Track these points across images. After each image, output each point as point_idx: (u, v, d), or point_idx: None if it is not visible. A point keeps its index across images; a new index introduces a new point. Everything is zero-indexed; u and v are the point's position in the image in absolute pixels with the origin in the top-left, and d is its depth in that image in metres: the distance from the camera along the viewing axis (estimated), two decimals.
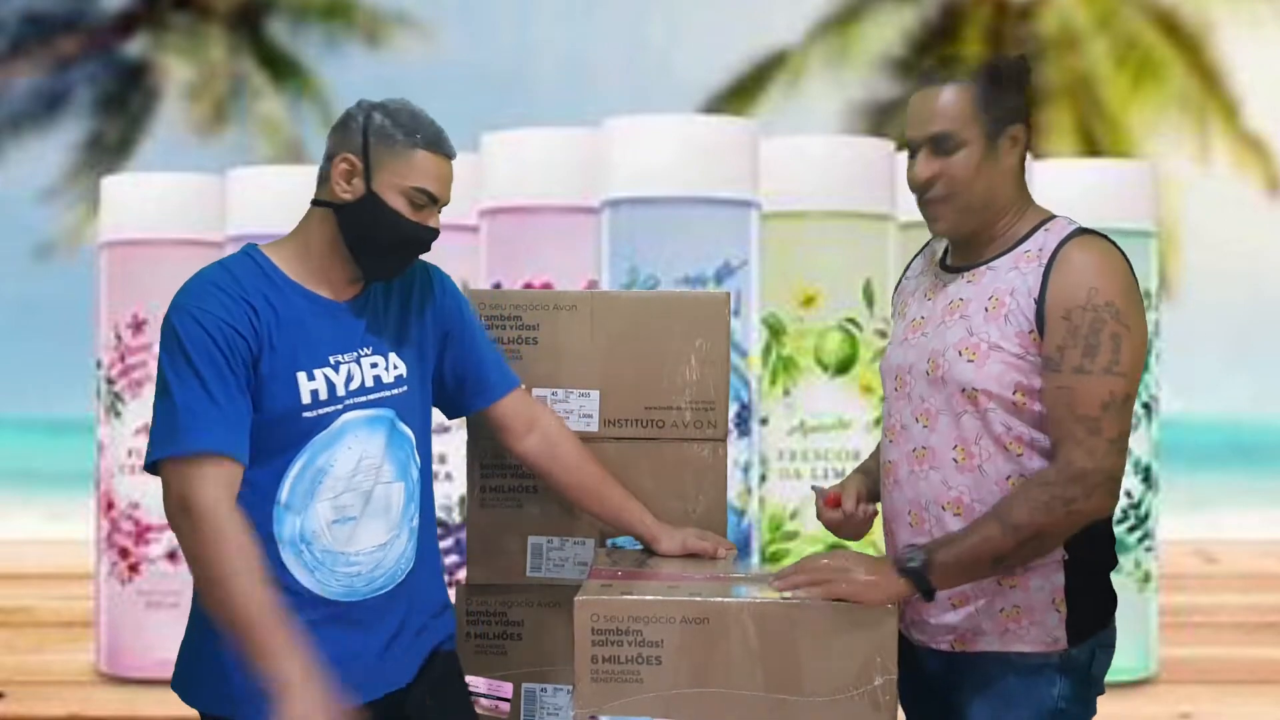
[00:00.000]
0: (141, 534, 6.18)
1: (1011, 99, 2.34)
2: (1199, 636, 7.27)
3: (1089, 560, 2.34)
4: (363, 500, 2.36)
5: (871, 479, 2.58)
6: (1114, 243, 2.34)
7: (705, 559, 2.57)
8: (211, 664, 2.31)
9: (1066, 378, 2.24)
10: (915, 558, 2.24)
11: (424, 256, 2.48)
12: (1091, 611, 2.35)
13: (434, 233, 2.37)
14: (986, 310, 2.31)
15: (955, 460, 2.33)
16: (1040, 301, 2.27)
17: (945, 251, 2.51)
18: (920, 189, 2.37)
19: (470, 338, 2.56)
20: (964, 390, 2.30)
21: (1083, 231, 2.33)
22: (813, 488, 2.63)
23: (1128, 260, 2.32)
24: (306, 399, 2.30)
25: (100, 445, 6.35)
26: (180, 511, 2.21)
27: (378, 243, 2.35)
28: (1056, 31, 18.67)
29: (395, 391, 2.41)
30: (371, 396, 2.37)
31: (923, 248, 2.61)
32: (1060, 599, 2.32)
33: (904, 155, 2.44)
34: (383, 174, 2.32)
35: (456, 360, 2.54)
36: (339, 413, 2.34)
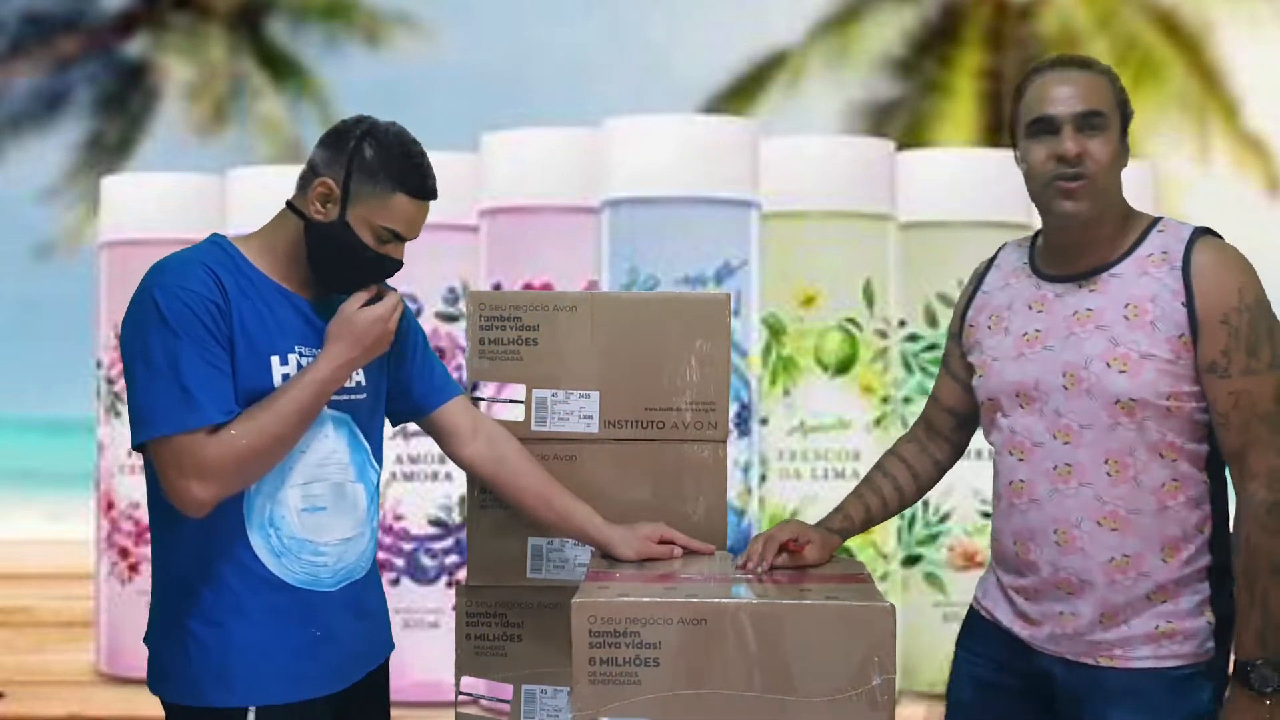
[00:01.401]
0: (141, 534, 6.17)
1: (1128, 104, 2.40)
2: None
3: (1226, 564, 2.35)
4: (333, 492, 2.39)
5: (868, 509, 2.61)
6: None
7: (702, 558, 2.56)
8: (180, 655, 2.34)
9: (1239, 381, 2.26)
10: (1263, 674, 2.25)
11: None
12: (1230, 616, 2.34)
13: (397, 264, 2.41)
14: (1127, 319, 2.31)
15: (1109, 474, 2.32)
16: (1189, 305, 2.27)
17: (1031, 260, 2.48)
18: (1071, 163, 2.33)
19: (415, 344, 2.59)
20: (1118, 401, 2.29)
21: (1204, 231, 2.35)
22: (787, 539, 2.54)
23: None
24: (278, 381, 2.32)
25: (100, 445, 6.35)
26: (219, 475, 2.24)
27: (339, 266, 2.39)
28: (1056, 31, 18.67)
29: (355, 397, 2.44)
30: (335, 398, 2.39)
31: (991, 260, 2.58)
32: (1208, 608, 2.33)
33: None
34: (358, 208, 2.35)
35: (404, 366, 2.56)
36: None
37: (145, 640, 2.44)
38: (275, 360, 2.33)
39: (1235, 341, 2.26)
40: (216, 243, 2.40)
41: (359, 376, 2.45)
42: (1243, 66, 18.21)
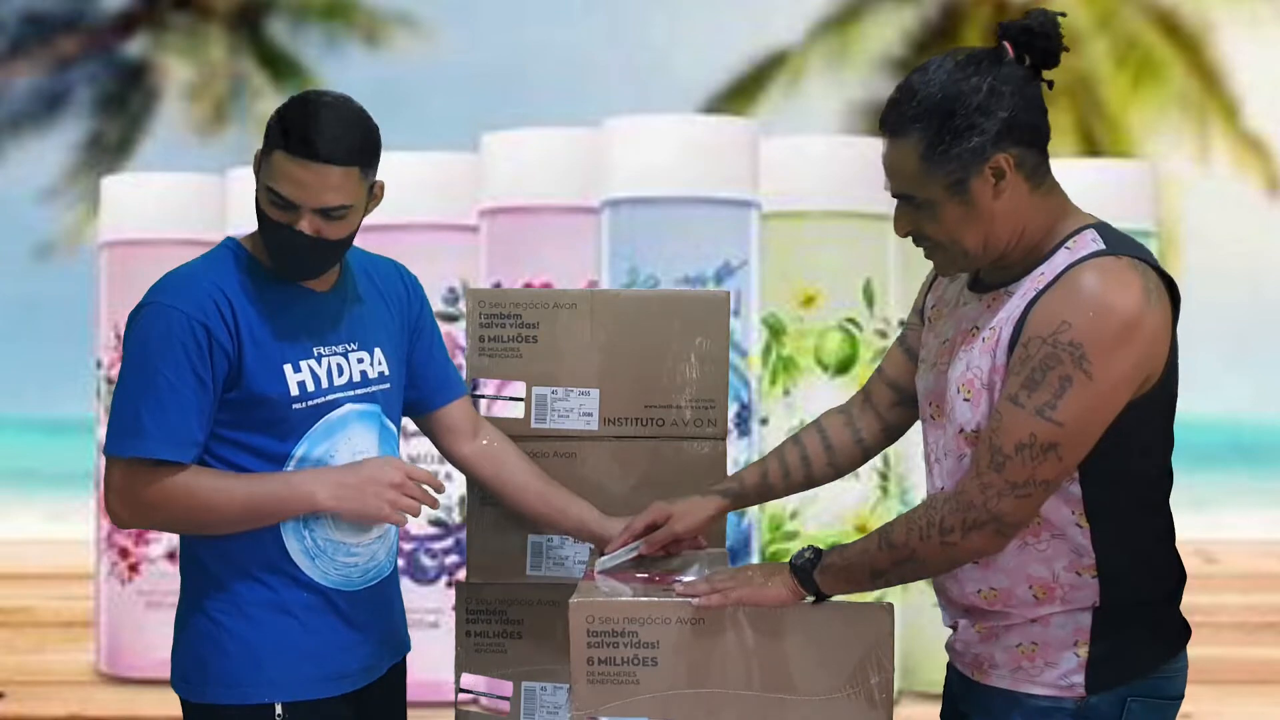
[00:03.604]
0: (141, 534, 6.18)
1: (973, 134, 2.02)
2: (1199, 636, 7.19)
3: (1127, 602, 2.11)
4: None
5: (765, 475, 2.49)
6: (1154, 270, 2.03)
7: (700, 557, 2.56)
8: (211, 649, 2.34)
9: (1000, 404, 2.00)
10: (805, 557, 2.15)
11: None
12: (1126, 658, 2.10)
13: (306, 239, 2.24)
14: (984, 342, 2.07)
15: None
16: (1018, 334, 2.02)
17: None
18: (914, 241, 2.14)
19: (431, 338, 2.59)
20: (962, 431, 2.10)
21: (1104, 254, 2.02)
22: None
23: (1162, 295, 2.02)
24: (295, 391, 2.31)
25: (100, 445, 6.35)
26: (141, 507, 2.26)
27: (264, 241, 2.32)
28: None
29: (381, 387, 2.44)
30: (360, 391, 2.39)
31: None
32: (1083, 641, 2.09)
33: None
34: (260, 175, 2.28)
35: (419, 360, 2.56)
36: (334, 405, 2.36)
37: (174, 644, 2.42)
38: (288, 369, 2.31)
39: (1021, 367, 1.97)
40: (229, 248, 2.36)
41: (382, 366, 2.44)
42: (1243, 66, 18.21)
